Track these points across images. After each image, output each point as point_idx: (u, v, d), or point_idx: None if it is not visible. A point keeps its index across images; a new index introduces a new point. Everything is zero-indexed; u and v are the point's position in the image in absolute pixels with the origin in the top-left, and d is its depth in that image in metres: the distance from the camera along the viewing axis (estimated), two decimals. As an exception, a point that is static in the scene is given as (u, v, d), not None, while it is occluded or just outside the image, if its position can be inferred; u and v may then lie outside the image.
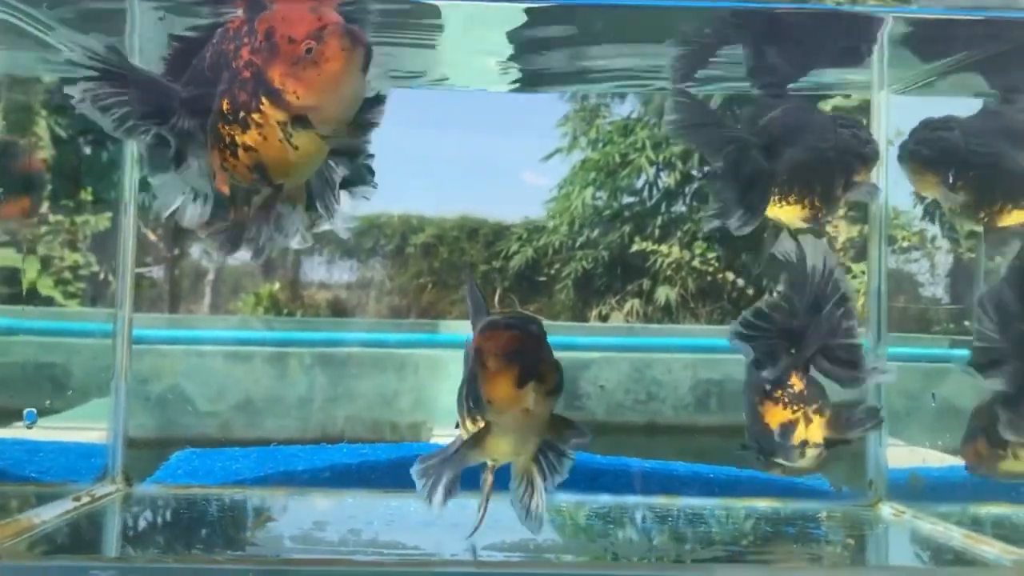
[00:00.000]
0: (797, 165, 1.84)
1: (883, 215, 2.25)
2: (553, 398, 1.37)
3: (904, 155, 1.93)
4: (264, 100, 1.31)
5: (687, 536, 1.91)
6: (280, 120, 1.32)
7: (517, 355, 1.33)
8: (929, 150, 1.89)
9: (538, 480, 1.56)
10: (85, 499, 1.91)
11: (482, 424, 1.45)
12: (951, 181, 1.87)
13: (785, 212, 1.87)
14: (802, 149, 1.85)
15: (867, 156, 1.92)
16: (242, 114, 1.34)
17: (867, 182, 1.95)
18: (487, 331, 1.37)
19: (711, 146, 1.84)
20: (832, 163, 1.87)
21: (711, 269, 11.00)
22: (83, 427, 2.28)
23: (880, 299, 2.23)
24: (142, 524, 1.89)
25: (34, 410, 1.96)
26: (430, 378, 6.80)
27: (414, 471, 1.50)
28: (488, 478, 1.63)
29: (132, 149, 2.16)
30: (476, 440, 1.46)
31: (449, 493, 1.51)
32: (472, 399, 1.44)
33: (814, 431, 1.82)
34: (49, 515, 1.75)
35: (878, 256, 2.24)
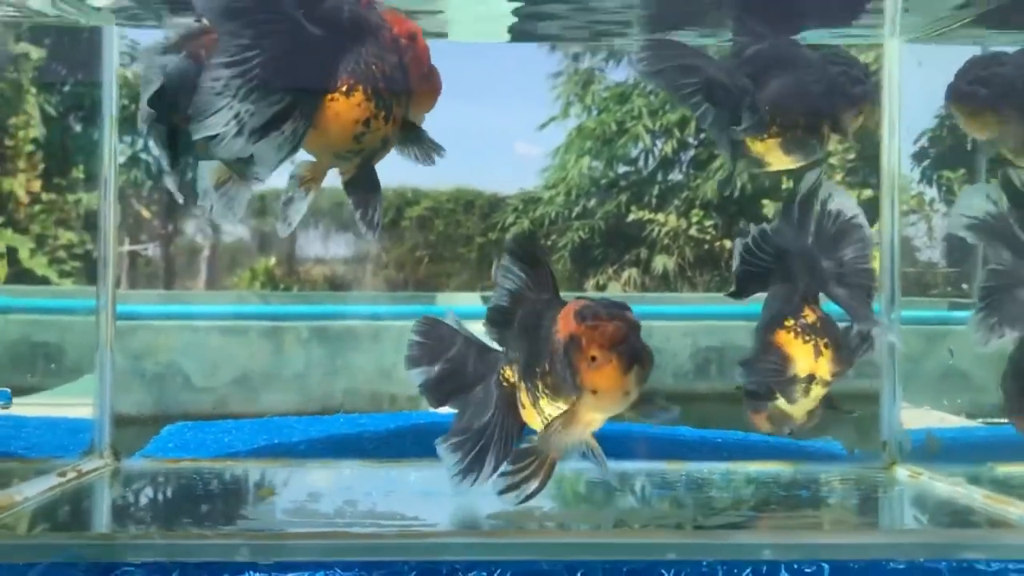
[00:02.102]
0: (783, 100, 1.74)
1: (895, 178, 2.18)
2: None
3: (955, 97, 1.81)
4: (403, 97, 1.44)
5: (697, 502, 1.85)
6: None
7: (625, 346, 1.36)
8: (985, 88, 1.77)
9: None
10: (71, 474, 1.84)
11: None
12: (1010, 119, 1.77)
13: (770, 148, 1.78)
14: (789, 83, 1.75)
15: (858, 96, 1.80)
16: (391, 99, 1.42)
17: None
18: (589, 321, 1.38)
19: (684, 85, 1.73)
20: (821, 99, 1.76)
21: (708, 237, 10.93)
22: (74, 403, 2.22)
23: (893, 263, 2.16)
24: (130, 499, 1.82)
25: (8, 390, 1.89)
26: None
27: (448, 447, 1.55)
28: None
29: (111, 122, 2.09)
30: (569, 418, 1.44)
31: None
32: (563, 383, 1.41)
33: (822, 365, 1.75)
34: (32, 491, 1.69)
35: (890, 219, 2.17)
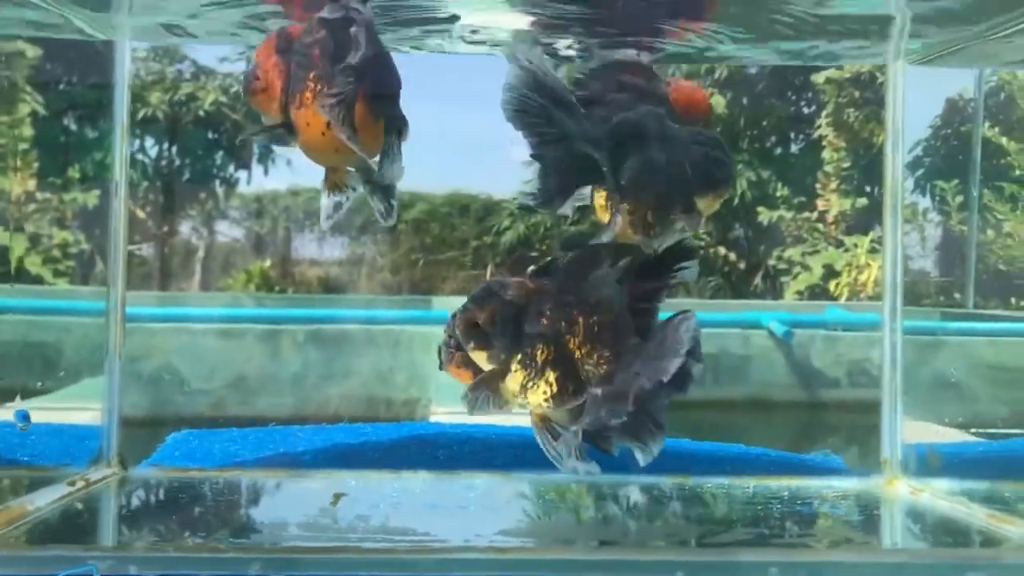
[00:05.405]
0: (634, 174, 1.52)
1: (898, 193, 2.20)
2: None
3: None
4: None
5: (698, 516, 1.86)
6: None
7: None
8: None
9: None
10: (80, 484, 1.85)
11: None
12: None
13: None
14: (644, 159, 1.53)
15: (717, 181, 1.59)
16: None
17: (694, 214, 1.58)
18: None
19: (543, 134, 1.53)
20: (673, 180, 1.55)
21: (703, 244, 10.94)
22: (74, 407, 2.22)
23: (896, 271, 2.18)
24: (140, 509, 1.83)
25: (26, 409, 1.89)
26: (424, 354, 6.76)
27: None
28: None
29: (122, 124, 2.09)
30: None
31: None
32: None
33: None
34: (43, 501, 1.69)
35: (893, 228, 2.19)
